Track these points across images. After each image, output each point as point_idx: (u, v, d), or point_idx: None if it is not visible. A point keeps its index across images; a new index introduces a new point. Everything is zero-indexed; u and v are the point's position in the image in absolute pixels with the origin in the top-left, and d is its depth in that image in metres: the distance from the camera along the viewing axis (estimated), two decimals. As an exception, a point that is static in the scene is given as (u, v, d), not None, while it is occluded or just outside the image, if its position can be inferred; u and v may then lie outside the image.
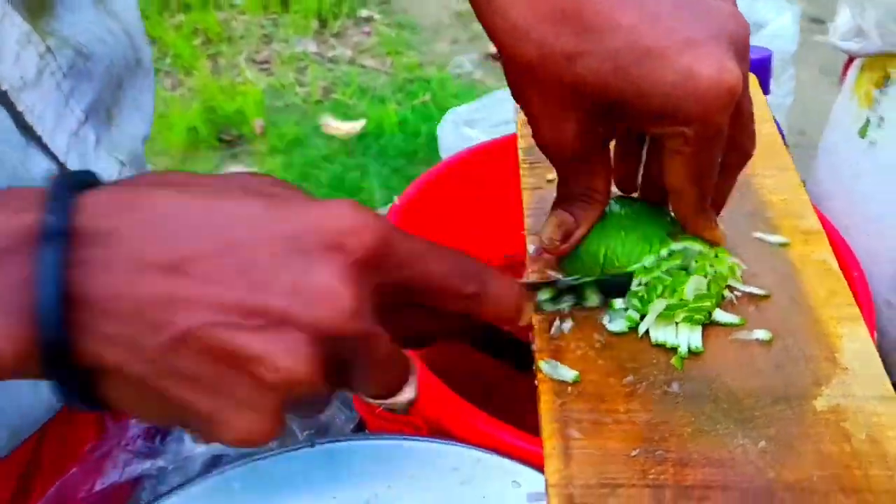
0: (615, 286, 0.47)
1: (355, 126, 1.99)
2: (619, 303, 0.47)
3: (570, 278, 0.47)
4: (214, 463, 0.53)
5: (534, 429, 0.45)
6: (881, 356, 0.45)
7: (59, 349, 0.29)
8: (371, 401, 0.35)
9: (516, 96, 0.45)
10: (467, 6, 0.45)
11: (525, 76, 0.43)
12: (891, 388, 0.44)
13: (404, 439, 0.48)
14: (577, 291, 0.47)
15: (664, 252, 0.47)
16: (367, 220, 0.32)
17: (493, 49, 0.46)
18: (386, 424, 0.49)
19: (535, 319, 0.47)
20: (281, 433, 0.32)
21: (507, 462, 0.46)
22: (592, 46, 0.40)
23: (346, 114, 2.04)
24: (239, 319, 0.30)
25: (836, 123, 0.65)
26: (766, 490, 0.39)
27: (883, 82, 0.60)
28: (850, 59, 0.64)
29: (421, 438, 0.48)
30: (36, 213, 0.30)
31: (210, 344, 0.30)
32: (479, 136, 0.97)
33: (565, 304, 0.47)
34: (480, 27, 0.44)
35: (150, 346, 0.29)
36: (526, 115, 0.46)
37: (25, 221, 0.30)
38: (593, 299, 0.47)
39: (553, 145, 0.45)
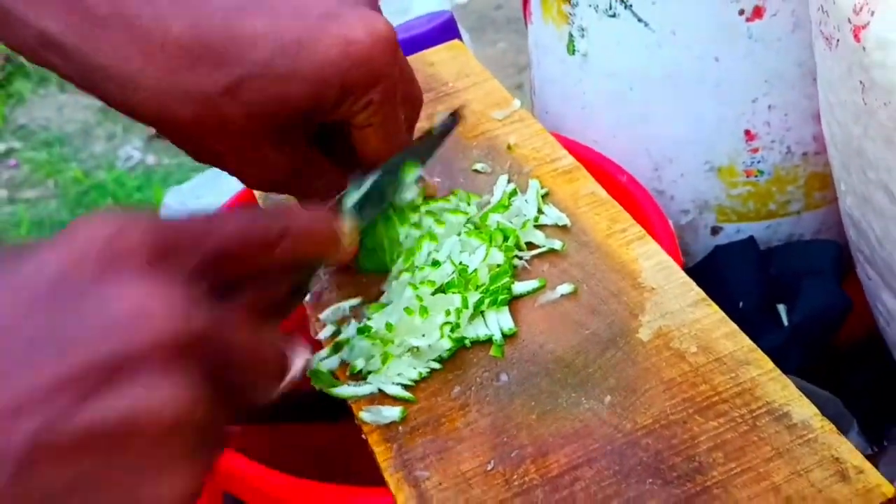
0: (415, 154, 0.45)
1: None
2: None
3: (368, 175, 0.43)
4: None
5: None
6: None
7: None
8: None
9: (202, 160, 0.40)
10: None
11: (196, 136, 0.38)
12: (698, 289, 0.44)
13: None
14: (381, 185, 0.43)
15: (415, 218, 0.45)
16: (125, 219, 0.26)
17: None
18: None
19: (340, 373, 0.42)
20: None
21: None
22: (243, 69, 0.36)
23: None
24: (72, 397, 0.23)
25: (544, 52, 0.64)
26: (629, 444, 0.37)
27: (569, -7, 0.60)
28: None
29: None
30: None
31: (61, 444, 0.23)
32: (212, 203, 0.91)
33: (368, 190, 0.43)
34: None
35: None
36: (226, 171, 0.41)
37: None
38: (403, 180, 0.45)
39: (269, 180, 0.41)
